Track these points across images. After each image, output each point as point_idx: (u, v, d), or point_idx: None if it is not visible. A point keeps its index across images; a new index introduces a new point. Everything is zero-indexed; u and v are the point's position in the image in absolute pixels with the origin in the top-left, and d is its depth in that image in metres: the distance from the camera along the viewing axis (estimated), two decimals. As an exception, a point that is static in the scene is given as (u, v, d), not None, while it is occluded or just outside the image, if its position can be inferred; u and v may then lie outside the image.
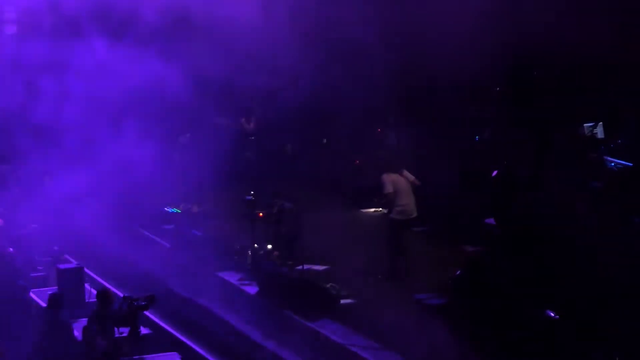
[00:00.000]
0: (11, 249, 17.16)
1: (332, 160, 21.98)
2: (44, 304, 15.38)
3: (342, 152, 22.06)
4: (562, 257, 13.61)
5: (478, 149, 18.85)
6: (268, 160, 22.95)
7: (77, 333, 14.13)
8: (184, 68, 18.84)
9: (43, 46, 19.15)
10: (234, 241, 18.30)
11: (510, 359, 12.77)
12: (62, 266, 16.72)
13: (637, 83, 16.15)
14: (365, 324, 14.64)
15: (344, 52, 19.99)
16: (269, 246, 17.46)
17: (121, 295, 14.26)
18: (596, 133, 16.38)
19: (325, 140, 23.19)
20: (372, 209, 20.73)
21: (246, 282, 16.99)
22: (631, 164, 15.19)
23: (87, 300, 16.02)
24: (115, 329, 13.58)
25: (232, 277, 17.32)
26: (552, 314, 12.81)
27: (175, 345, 15.75)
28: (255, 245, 17.37)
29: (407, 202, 16.26)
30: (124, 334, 13.44)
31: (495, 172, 16.25)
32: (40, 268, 17.84)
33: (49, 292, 14.99)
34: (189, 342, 16.11)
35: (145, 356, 14.08)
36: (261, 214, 17.66)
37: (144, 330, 14.28)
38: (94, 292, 15.68)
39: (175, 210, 20.30)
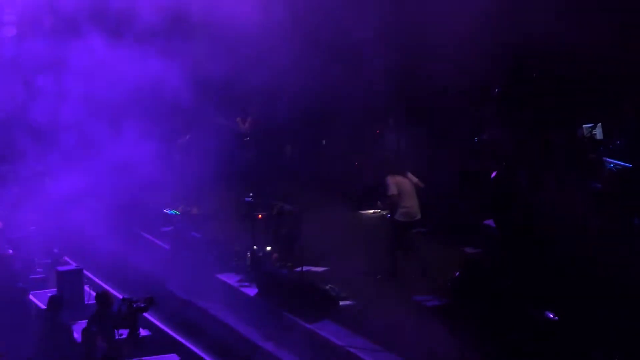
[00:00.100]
0: (10, 251, 17.16)
1: (331, 161, 21.95)
2: (43, 306, 15.38)
3: (341, 153, 22.02)
4: (562, 258, 13.60)
5: (477, 150, 18.82)
6: (267, 160, 22.91)
7: (77, 335, 14.12)
8: (183, 67, 18.81)
9: (41, 45, 19.14)
10: (234, 243, 18.29)
11: (510, 360, 12.79)
12: (61, 268, 16.74)
13: (637, 83, 16.13)
14: (364, 325, 14.63)
15: (344, 53, 19.97)
16: (268, 248, 17.45)
17: (120, 297, 14.24)
18: (595, 134, 16.36)
19: (324, 141, 23.15)
20: (372, 210, 20.71)
21: (245, 283, 16.98)
22: (630, 165, 15.15)
23: (86, 302, 16.04)
24: (115, 330, 13.57)
25: (231, 279, 17.30)
26: (552, 315, 12.80)
27: (174, 347, 15.74)
28: (255, 246, 17.35)
29: (411, 204, 16.30)
30: (124, 336, 13.41)
31: (494, 173, 16.22)
32: (39, 270, 17.85)
33: (49, 294, 15.01)
34: (188, 344, 16.10)
35: (144, 358, 14.08)
36: (260, 216, 17.65)
37: (143, 332, 14.28)
38: (94, 294, 15.68)
39: (174, 212, 20.28)
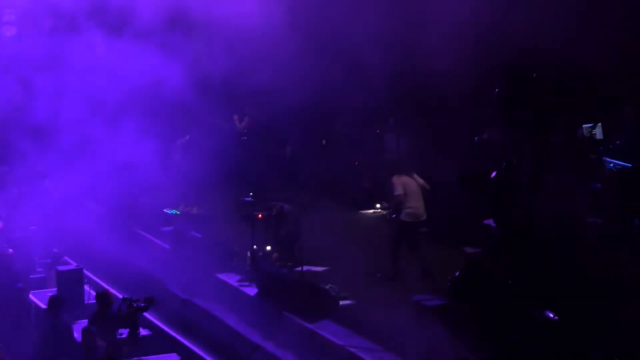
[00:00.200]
0: (10, 250, 17.15)
1: (331, 161, 21.94)
2: (43, 306, 15.37)
3: (341, 153, 22.01)
4: (562, 258, 13.59)
5: (477, 150, 18.81)
6: (267, 161, 22.90)
7: (77, 335, 14.11)
8: (183, 67, 18.80)
9: (41, 44, 19.12)
10: (234, 243, 18.28)
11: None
12: (61, 268, 16.74)
13: (636, 83, 16.13)
14: (364, 325, 14.63)
15: (344, 53, 19.95)
16: (268, 247, 17.45)
17: (120, 296, 14.24)
18: (595, 134, 16.36)
19: (324, 141, 23.14)
20: (372, 210, 20.71)
21: (245, 283, 16.98)
22: (630, 165, 15.16)
23: (86, 302, 16.03)
24: (115, 330, 13.57)
25: (231, 279, 17.31)
26: (552, 315, 12.79)
27: (174, 346, 15.74)
28: (255, 246, 17.35)
29: (417, 205, 16.36)
30: (124, 336, 13.42)
31: (494, 173, 16.21)
32: (39, 270, 17.85)
33: (49, 294, 15.00)
34: (188, 344, 16.10)
35: (144, 357, 14.11)
36: (260, 216, 17.64)
37: (143, 332, 14.28)
38: (94, 293, 15.68)
39: (174, 211, 20.28)
